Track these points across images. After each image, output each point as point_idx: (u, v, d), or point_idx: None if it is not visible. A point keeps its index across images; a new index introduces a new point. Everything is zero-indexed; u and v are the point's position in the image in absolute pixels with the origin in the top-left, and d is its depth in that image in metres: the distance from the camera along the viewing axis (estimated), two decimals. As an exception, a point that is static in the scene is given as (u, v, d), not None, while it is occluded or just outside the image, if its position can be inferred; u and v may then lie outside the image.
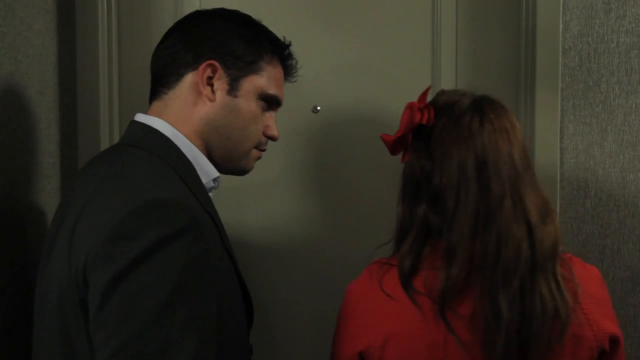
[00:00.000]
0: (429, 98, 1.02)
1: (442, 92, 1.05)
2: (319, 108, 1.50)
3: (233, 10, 1.06)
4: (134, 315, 0.75)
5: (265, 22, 1.08)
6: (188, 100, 0.98)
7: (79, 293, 0.80)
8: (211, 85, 0.98)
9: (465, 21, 1.50)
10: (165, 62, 1.00)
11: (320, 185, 1.52)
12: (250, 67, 1.00)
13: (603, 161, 1.44)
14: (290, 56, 1.08)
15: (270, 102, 1.05)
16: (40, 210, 1.24)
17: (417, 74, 1.50)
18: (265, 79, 1.02)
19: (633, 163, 1.43)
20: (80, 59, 1.40)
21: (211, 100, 0.98)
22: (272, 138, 1.07)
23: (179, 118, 0.97)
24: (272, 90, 1.03)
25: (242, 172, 1.06)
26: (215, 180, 1.01)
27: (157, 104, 1.00)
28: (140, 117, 0.99)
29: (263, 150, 1.08)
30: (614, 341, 0.97)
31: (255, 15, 1.08)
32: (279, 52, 1.05)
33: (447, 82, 1.48)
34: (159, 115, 0.98)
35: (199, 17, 1.03)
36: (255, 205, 1.50)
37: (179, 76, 0.98)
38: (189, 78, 0.98)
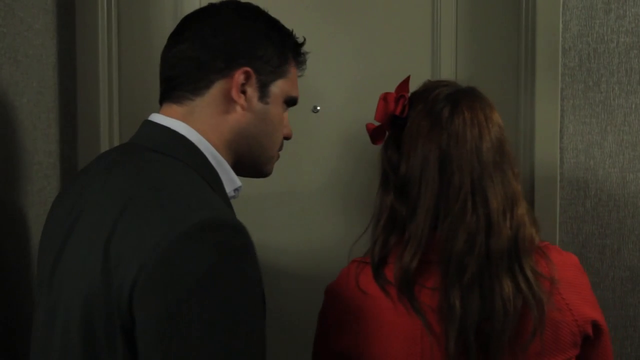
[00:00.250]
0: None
1: (426, 82, 1.05)
2: (318, 108, 1.50)
3: (247, 4, 0.99)
4: (204, 346, 0.71)
5: (265, 22, 1.07)
6: (219, 109, 0.92)
7: (121, 319, 0.73)
8: (244, 92, 0.93)
9: (465, 21, 1.50)
10: (187, 65, 0.92)
11: (320, 185, 1.52)
12: (277, 71, 0.96)
13: (603, 161, 1.44)
14: (304, 55, 1.03)
15: (289, 103, 1.01)
16: (40, 210, 1.24)
17: (417, 74, 1.48)
18: (290, 82, 0.98)
19: (633, 163, 1.43)
20: (80, 59, 1.40)
21: (244, 109, 0.93)
22: (288, 137, 1.04)
23: (208, 126, 0.91)
24: (294, 93, 1.00)
25: (264, 176, 1.03)
26: (236, 189, 0.97)
27: (178, 109, 0.92)
28: (159, 119, 0.91)
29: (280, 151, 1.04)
30: (596, 327, 0.96)
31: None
32: (297, 52, 1.01)
33: (447, 82, 1.48)
34: (183, 120, 0.91)
35: (217, 14, 0.96)
36: (255, 205, 1.50)
37: (208, 82, 0.91)
38: (220, 85, 0.91)
